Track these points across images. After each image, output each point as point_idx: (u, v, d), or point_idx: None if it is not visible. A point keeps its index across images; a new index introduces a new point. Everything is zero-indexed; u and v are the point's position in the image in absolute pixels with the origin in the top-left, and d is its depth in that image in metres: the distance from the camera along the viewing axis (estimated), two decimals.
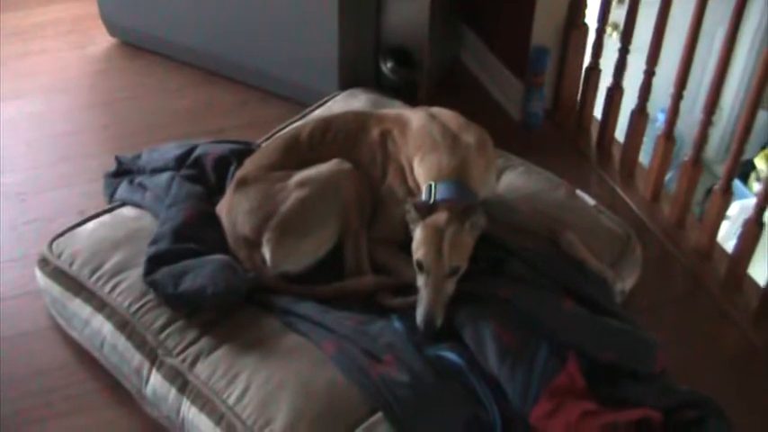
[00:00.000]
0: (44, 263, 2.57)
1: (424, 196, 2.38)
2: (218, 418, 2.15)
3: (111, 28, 3.81)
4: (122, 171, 2.89)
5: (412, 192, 2.48)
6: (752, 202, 2.98)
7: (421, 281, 2.28)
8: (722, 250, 3.04)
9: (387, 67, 3.39)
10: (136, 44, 3.80)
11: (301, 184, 2.45)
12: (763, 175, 6.60)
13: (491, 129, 2.62)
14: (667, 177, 3.33)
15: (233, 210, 2.49)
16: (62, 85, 3.63)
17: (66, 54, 3.78)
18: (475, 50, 3.77)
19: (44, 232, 2.73)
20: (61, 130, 3.41)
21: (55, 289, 2.53)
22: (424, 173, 2.44)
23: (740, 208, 4.33)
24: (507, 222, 2.58)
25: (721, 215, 2.95)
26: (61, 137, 3.37)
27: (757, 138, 5.54)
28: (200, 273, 2.35)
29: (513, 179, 2.85)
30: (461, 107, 2.66)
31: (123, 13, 3.74)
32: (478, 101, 3.63)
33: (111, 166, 2.93)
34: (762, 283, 2.85)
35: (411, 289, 2.33)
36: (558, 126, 3.54)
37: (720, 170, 2.96)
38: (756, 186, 6.51)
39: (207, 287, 2.31)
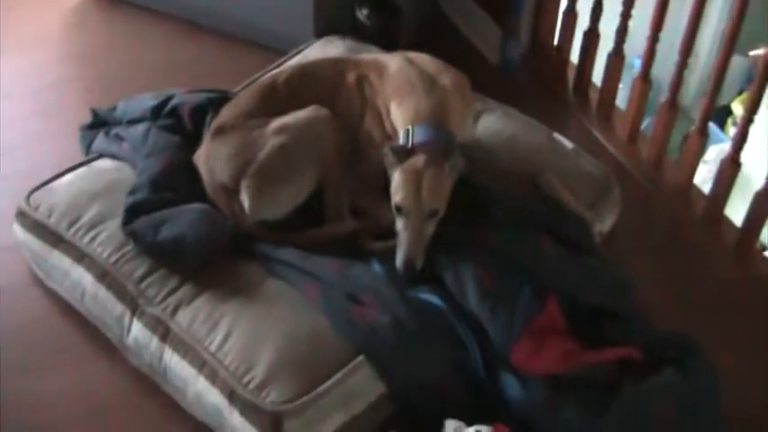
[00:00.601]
0: (22, 216, 2.56)
1: (401, 140, 2.37)
2: (200, 364, 2.16)
3: None
4: (98, 123, 2.87)
5: (390, 136, 2.48)
6: (727, 146, 3.00)
7: (400, 224, 2.29)
8: (699, 191, 3.07)
9: (362, 13, 3.36)
10: None
11: (279, 131, 2.44)
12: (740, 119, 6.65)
13: (469, 74, 2.61)
14: (644, 125, 3.34)
15: (211, 158, 2.48)
16: (37, 38, 3.58)
17: (41, 6, 3.72)
18: None
19: (22, 187, 2.70)
20: (37, 83, 3.37)
21: (34, 242, 2.52)
22: (401, 116, 2.44)
23: (717, 152, 4.35)
24: (486, 165, 2.57)
25: (698, 156, 2.97)
26: (38, 91, 3.33)
27: (735, 83, 5.55)
28: (180, 221, 2.36)
29: (491, 123, 2.84)
30: (439, 53, 2.65)
31: None
32: (456, 46, 3.61)
33: (88, 118, 2.90)
34: (738, 223, 2.88)
35: (391, 233, 2.33)
36: (536, 71, 3.53)
37: (697, 116, 2.98)
38: (733, 131, 6.56)
39: (186, 235, 2.32)
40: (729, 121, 6.36)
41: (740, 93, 6.50)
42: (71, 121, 3.04)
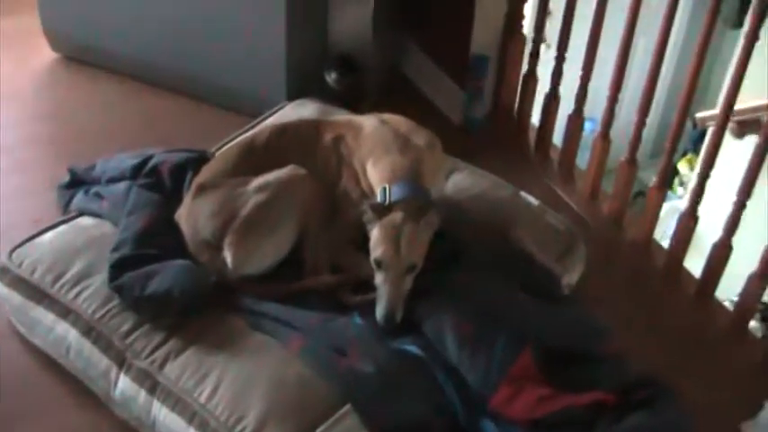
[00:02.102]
0: (4, 272, 2.58)
1: (379, 197, 2.45)
2: (190, 416, 2.20)
3: (54, 42, 3.81)
4: (76, 182, 2.92)
5: (366, 194, 2.56)
6: (679, 203, 3.16)
7: (379, 278, 2.36)
8: (659, 244, 3.20)
9: (331, 77, 3.47)
10: (79, 58, 3.80)
11: (260, 189, 2.51)
12: (686, 179, 6.88)
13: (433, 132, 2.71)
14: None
15: (193, 215, 2.55)
16: (6, 98, 3.61)
17: (9, 68, 3.76)
18: (416, 58, 3.87)
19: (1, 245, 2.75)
20: (9, 142, 3.40)
21: (16, 297, 2.55)
22: (377, 175, 2.52)
23: (668, 209, 4.51)
24: (458, 221, 2.66)
25: (658, 210, 3.11)
26: (9, 149, 3.36)
27: (680, 145, 5.78)
28: (166, 276, 2.40)
29: (460, 181, 2.94)
30: (404, 114, 2.74)
31: (66, 27, 3.73)
32: (420, 108, 3.72)
33: (64, 177, 2.95)
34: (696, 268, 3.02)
35: (368, 287, 2.41)
36: (498, 131, 3.65)
37: (647, 177, 3.13)
38: (680, 190, 6.78)
39: (173, 289, 2.36)
40: (676, 180, 6.60)
41: (684, 154, 6.75)
42: (46, 180, 3.09)
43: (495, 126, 3.67)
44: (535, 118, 3.63)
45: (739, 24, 4.49)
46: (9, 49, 3.87)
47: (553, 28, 3.45)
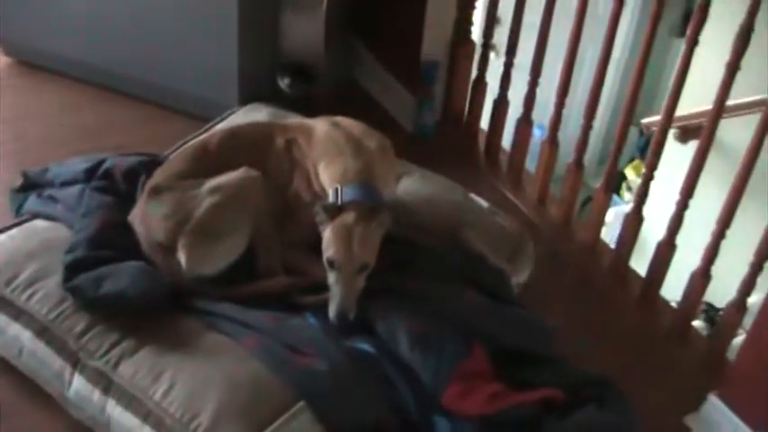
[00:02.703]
0: None
1: (331, 198, 2.48)
2: (144, 414, 2.21)
3: (5, 46, 3.80)
4: (29, 185, 2.91)
5: (318, 195, 2.58)
6: (625, 208, 3.24)
7: (332, 278, 2.39)
8: (606, 245, 3.28)
9: (284, 82, 3.51)
10: (32, 62, 3.80)
11: (213, 191, 2.53)
12: (633, 184, 7.00)
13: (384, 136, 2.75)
14: None
15: (146, 218, 2.56)
16: None
17: None
18: (367, 65, 3.92)
19: None
20: None
21: None
22: (329, 177, 2.55)
23: (615, 214, 4.61)
24: (409, 222, 2.70)
25: (604, 212, 3.19)
26: None
27: (626, 151, 5.89)
28: (120, 277, 2.41)
29: (411, 183, 2.99)
30: (353, 118, 2.77)
31: (17, 32, 3.73)
32: (372, 114, 3.73)
33: (14, 181, 2.94)
34: (642, 273, 3.10)
35: (321, 288, 2.44)
36: (449, 137, 3.71)
37: (594, 183, 3.21)
38: (627, 196, 6.90)
39: (127, 290, 2.37)
40: (624, 185, 6.71)
41: (632, 160, 6.87)
42: None
43: (445, 132, 3.72)
44: (485, 123, 3.69)
45: (684, 33, 4.59)
46: None
47: (502, 35, 3.53)
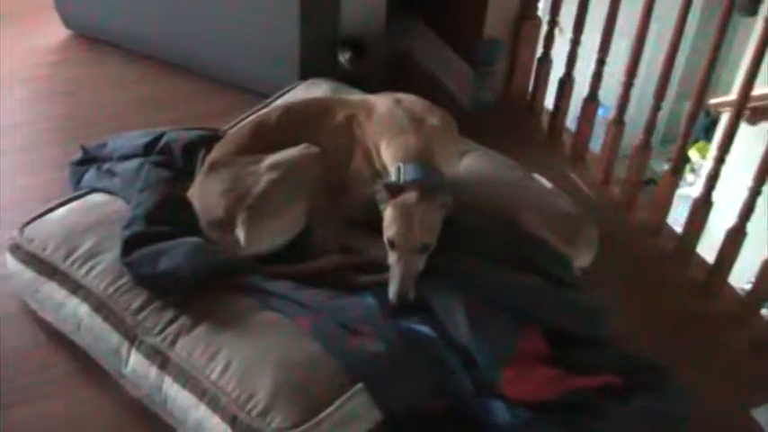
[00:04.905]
0: (15, 248, 2.58)
1: (393, 177, 2.44)
2: (201, 393, 2.19)
3: (66, 19, 3.80)
4: (88, 159, 2.90)
5: (379, 174, 2.54)
6: (689, 190, 3.16)
7: (392, 258, 2.35)
8: (671, 229, 3.19)
9: (344, 57, 3.46)
10: (91, 35, 3.79)
11: (272, 168, 2.51)
12: (697, 166, 6.87)
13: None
14: None
15: (205, 193, 2.54)
16: (18, 75, 3.61)
17: (22, 45, 3.76)
18: (428, 40, 3.85)
19: (8, 220, 2.73)
20: (20, 119, 3.40)
21: (27, 273, 2.54)
22: (391, 155, 2.51)
23: (677, 196, 4.50)
24: (470, 203, 2.64)
25: (671, 194, 3.10)
26: (20, 126, 3.36)
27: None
28: (176, 253, 2.40)
29: (473, 162, 2.93)
30: (413, 94, 2.72)
31: (77, 4, 3.74)
32: (430, 90, 3.64)
33: (75, 154, 2.93)
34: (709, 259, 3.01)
35: (377, 268, 2.41)
36: (510, 115, 3.64)
37: (656, 165, 3.13)
38: (690, 177, 6.78)
39: (184, 267, 2.36)
40: (687, 167, 6.58)
41: (695, 141, 6.74)
42: (57, 157, 3.09)
43: (507, 110, 3.65)
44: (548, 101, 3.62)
45: (753, 12, 4.47)
46: (22, 26, 3.87)
47: (568, 11, 3.44)
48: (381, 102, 2.66)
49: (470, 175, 2.85)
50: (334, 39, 3.47)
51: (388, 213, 2.37)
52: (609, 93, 3.51)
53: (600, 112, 3.48)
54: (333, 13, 3.45)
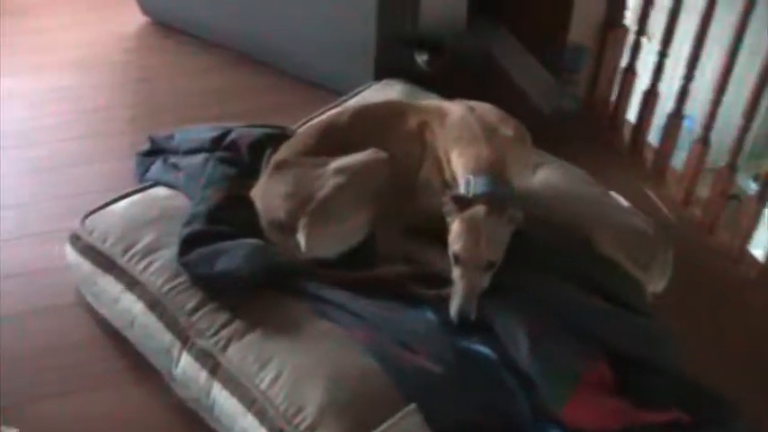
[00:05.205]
0: (76, 239, 2.56)
1: (462, 189, 2.35)
2: (249, 402, 2.13)
3: (144, 6, 3.80)
4: (155, 150, 2.89)
5: (448, 184, 2.45)
6: None
7: (456, 273, 2.26)
8: (752, 256, 3.03)
9: (421, 58, 3.38)
10: (168, 23, 3.78)
11: (338, 172, 2.44)
12: None
13: (520, 121, 2.60)
14: None
15: (268, 194, 2.49)
16: (93, 60, 3.63)
17: (99, 30, 3.78)
18: (508, 44, 3.76)
19: (72, 208, 2.71)
20: (90, 106, 3.40)
21: (85, 265, 2.52)
22: (462, 165, 2.42)
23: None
24: (541, 218, 2.54)
25: (756, 219, 2.95)
26: (90, 113, 3.36)
27: None
28: (235, 254, 2.34)
29: (548, 175, 2.83)
30: (492, 101, 2.64)
31: None
32: (509, 95, 3.59)
33: (142, 144, 2.91)
34: None
35: (440, 280, 2.32)
36: (590, 125, 3.53)
37: (742, 180, 2.98)
38: None
39: (242, 267, 2.31)
40: None
41: None
42: (123, 146, 3.09)
43: (586, 120, 3.53)
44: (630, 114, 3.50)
45: None
46: (99, 11, 3.87)
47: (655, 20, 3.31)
48: (455, 109, 2.57)
49: (543, 189, 2.75)
50: (411, 38, 3.39)
51: (455, 227, 2.28)
52: (695, 102, 3.36)
53: (685, 123, 3.34)
54: (412, 11, 3.37)
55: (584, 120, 3.54)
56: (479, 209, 2.26)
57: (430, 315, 2.31)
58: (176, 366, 2.30)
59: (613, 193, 2.84)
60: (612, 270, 2.50)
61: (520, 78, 3.71)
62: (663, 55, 3.24)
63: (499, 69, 3.78)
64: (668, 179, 3.30)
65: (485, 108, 2.59)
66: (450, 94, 2.85)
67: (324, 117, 2.83)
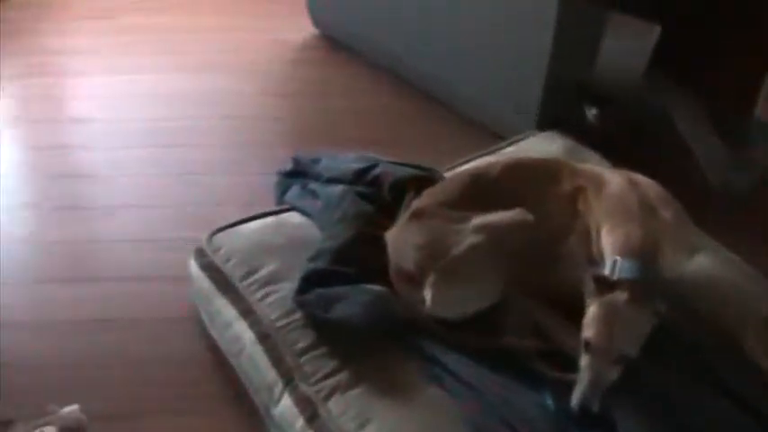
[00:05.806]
0: (200, 254, 2.53)
1: (606, 270, 2.18)
2: None
3: (316, 18, 3.79)
4: (297, 172, 2.84)
5: (593, 259, 2.28)
6: None
7: (585, 361, 2.09)
8: None
9: (590, 112, 3.20)
10: (337, 38, 3.75)
11: (478, 230, 2.31)
12: None
13: (686, 193, 2.42)
14: None
15: (401, 241, 2.38)
16: (253, 67, 3.64)
17: (266, 37, 3.81)
18: (686, 107, 3.54)
19: (200, 218, 2.70)
20: (237, 112, 3.38)
21: (205, 282, 2.48)
22: (611, 243, 2.25)
23: None
24: (689, 311, 2.36)
25: None
26: (240, 122, 3.34)
27: None
28: (354, 302, 2.26)
29: (703, 263, 2.60)
30: (660, 165, 2.51)
31: (330, 6, 3.70)
32: (680, 162, 3.39)
33: (285, 160, 2.87)
34: None
35: (568, 360, 2.15)
36: (762, 207, 3.26)
37: None
38: None
39: (358, 318, 2.22)
40: None
41: None
42: (265, 160, 3.05)
43: (759, 201, 3.27)
44: None
45: None
46: (271, 18, 3.89)
47: None
48: (615, 180, 2.40)
49: (696, 279, 2.52)
50: (582, 90, 3.22)
51: (592, 311, 2.11)
52: None
53: None
54: (589, 56, 3.20)
55: (757, 201, 3.28)
56: (620, 296, 2.09)
57: (549, 402, 2.14)
58: (275, 405, 2.22)
59: None
60: (755, 380, 2.26)
61: (692, 142, 3.49)
62: None
63: (671, 131, 3.57)
64: None
65: (647, 184, 2.40)
66: (615, 155, 2.67)
67: (474, 166, 2.71)
